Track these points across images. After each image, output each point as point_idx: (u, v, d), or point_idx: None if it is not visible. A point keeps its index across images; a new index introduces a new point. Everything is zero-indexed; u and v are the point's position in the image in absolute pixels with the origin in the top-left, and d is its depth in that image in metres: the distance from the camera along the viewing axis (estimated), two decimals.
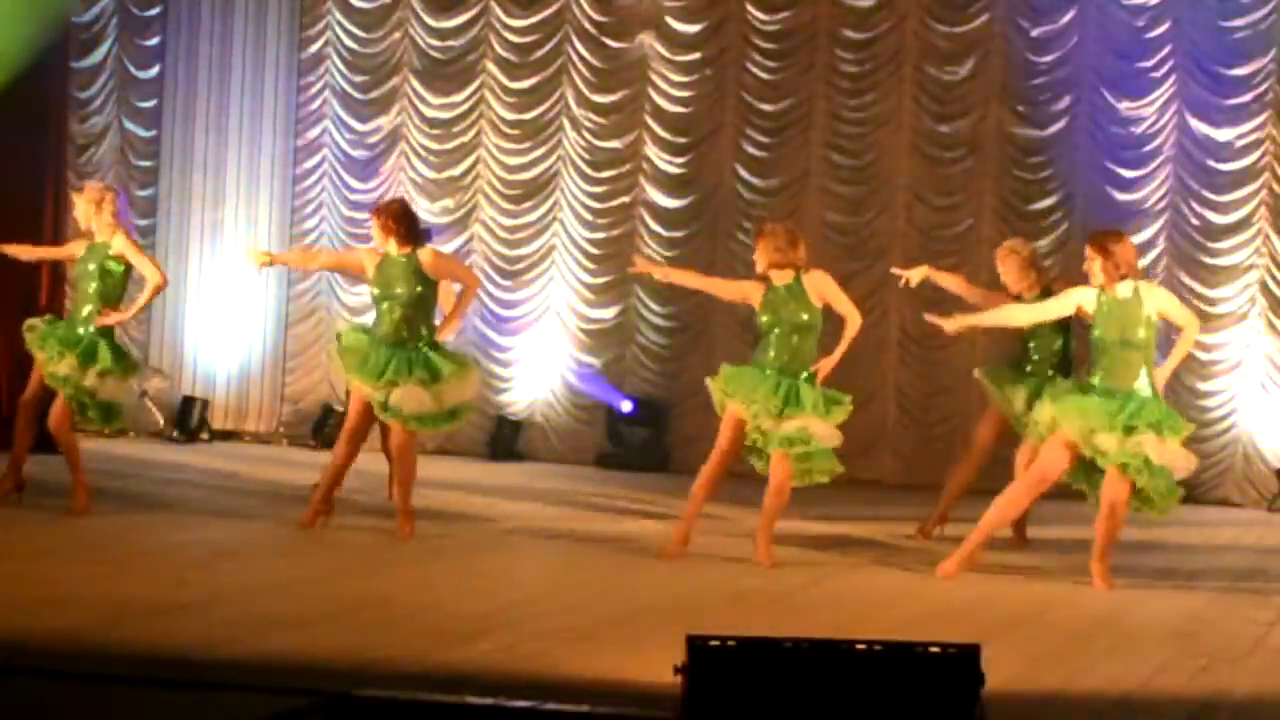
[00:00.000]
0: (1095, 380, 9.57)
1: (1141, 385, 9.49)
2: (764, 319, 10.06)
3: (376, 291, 10.43)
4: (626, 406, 15.37)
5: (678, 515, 12.00)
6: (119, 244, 10.71)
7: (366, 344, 10.40)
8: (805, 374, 9.95)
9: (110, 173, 16.44)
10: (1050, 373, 10.87)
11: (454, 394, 10.39)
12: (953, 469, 11.69)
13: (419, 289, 10.34)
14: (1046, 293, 10.79)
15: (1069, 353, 11.09)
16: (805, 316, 9.98)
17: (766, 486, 10.03)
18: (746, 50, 15.40)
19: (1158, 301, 9.67)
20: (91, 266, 10.74)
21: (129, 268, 10.76)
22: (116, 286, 10.80)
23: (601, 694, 6.40)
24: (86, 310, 10.69)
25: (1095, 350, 9.66)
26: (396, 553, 9.97)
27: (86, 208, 10.76)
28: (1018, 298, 10.94)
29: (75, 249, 11.01)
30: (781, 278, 10.05)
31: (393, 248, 10.35)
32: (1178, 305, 9.97)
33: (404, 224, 10.39)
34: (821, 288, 10.03)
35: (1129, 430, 9.36)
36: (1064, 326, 10.87)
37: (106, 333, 10.68)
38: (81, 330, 10.62)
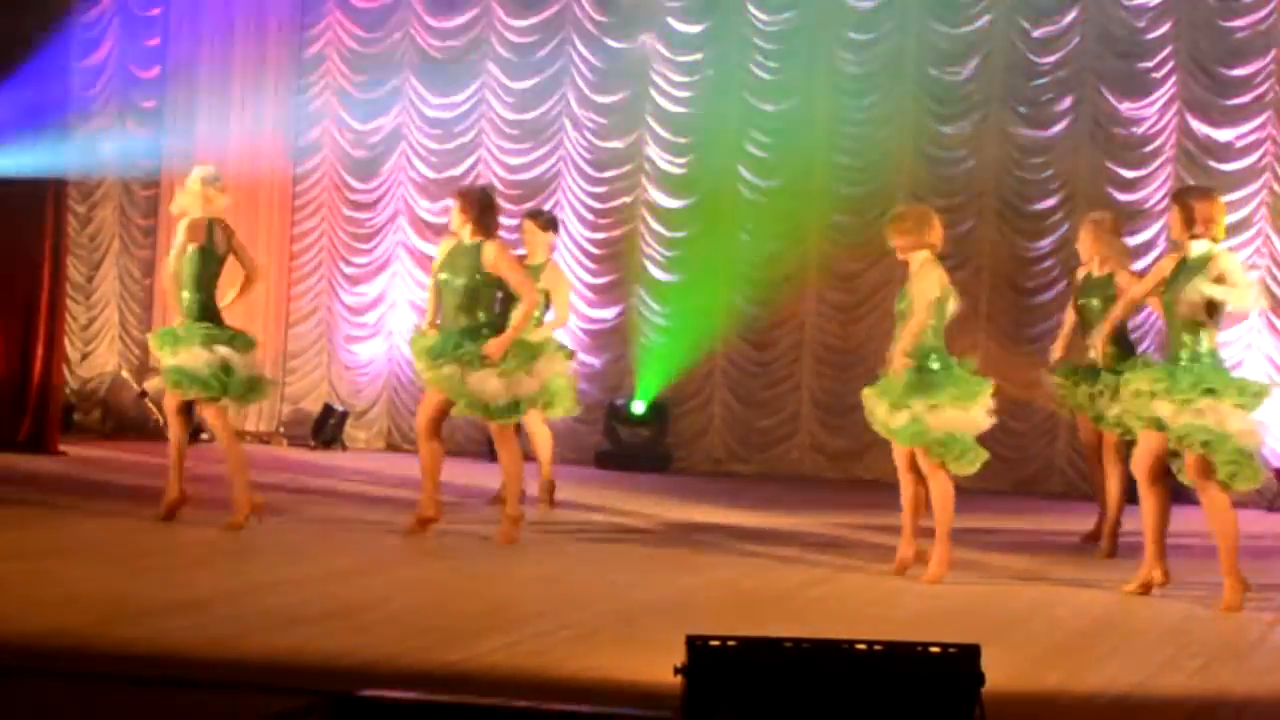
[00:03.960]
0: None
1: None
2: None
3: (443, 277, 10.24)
4: (639, 409, 15.34)
5: (677, 515, 12.03)
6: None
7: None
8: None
9: (110, 173, 16.46)
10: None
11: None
12: None
13: (477, 278, 10.18)
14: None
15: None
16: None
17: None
18: (748, 51, 15.40)
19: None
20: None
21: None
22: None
23: (601, 694, 6.40)
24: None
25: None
26: (396, 553, 9.98)
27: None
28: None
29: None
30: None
31: (466, 234, 10.25)
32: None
33: (481, 212, 10.22)
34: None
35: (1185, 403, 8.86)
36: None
37: None
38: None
